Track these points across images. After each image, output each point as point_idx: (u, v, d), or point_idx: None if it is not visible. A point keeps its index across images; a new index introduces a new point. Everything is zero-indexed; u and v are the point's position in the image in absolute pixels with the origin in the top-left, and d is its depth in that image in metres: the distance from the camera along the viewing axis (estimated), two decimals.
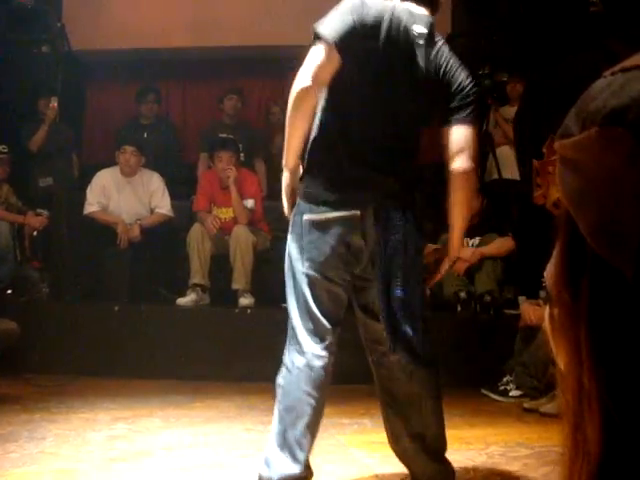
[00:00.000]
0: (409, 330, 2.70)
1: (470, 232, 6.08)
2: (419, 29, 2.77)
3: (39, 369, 5.81)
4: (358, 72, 2.72)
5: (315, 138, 2.80)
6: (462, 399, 5.18)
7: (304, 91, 2.67)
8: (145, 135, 7.46)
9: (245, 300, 6.14)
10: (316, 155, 2.78)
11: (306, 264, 2.74)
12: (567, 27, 6.54)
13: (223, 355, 5.84)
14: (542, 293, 5.16)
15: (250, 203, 6.41)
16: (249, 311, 6.09)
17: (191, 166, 7.64)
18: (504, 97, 7.05)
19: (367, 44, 2.70)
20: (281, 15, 7.85)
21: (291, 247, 2.80)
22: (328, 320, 2.75)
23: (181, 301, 6.19)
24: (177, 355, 5.85)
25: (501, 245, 5.98)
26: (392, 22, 2.73)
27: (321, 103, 2.80)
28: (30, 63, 7.86)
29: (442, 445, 2.91)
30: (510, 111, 6.94)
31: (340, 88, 2.74)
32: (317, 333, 2.74)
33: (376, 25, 2.70)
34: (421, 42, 2.77)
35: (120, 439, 4.05)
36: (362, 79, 2.72)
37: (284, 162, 2.84)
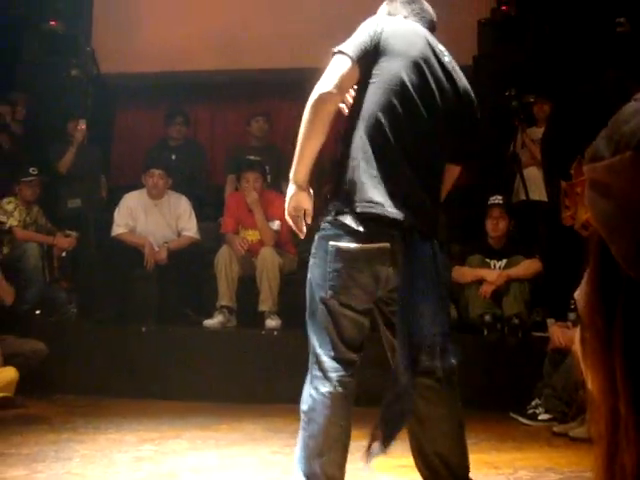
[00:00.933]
0: (431, 352, 2.66)
1: (497, 254, 6.04)
2: (442, 48, 2.80)
3: (66, 389, 5.84)
4: (387, 94, 2.69)
5: (347, 164, 2.71)
6: (490, 423, 5.13)
7: (327, 96, 2.62)
8: (173, 157, 7.51)
9: (272, 322, 6.13)
10: (348, 182, 2.68)
11: (329, 292, 2.68)
12: (594, 48, 6.52)
13: (249, 377, 5.84)
14: (571, 315, 5.11)
15: (276, 224, 6.42)
16: (276, 333, 6.08)
17: (219, 188, 7.67)
18: (531, 118, 7.02)
19: (391, 63, 2.69)
20: (308, 38, 7.89)
21: (314, 272, 2.74)
22: (350, 348, 2.71)
23: (208, 323, 6.19)
24: (204, 377, 5.85)
25: (528, 267, 5.93)
26: (417, 41, 2.75)
27: (353, 127, 2.73)
28: (60, 86, 7.96)
29: (467, 469, 2.88)
30: (537, 132, 6.91)
31: (372, 111, 2.69)
32: (340, 360, 2.69)
33: (400, 44, 2.71)
34: (447, 60, 2.79)
35: (147, 460, 4.05)
36: (394, 102, 2.68)
37: (293, 174, 2.74)
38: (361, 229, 2.65)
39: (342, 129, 2.82)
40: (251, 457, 4.17)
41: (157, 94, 8.51)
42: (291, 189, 2.75)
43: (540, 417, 5.13)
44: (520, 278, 5.88)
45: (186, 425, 4.94)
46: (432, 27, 2.92)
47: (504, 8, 7.61)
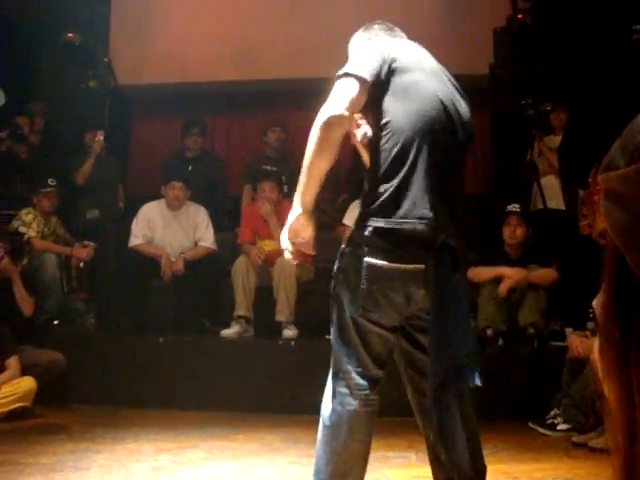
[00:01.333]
0: (455, 368, 2.64)
1: (513, 263, 5.99)
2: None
3: (85, 399, 5.86)
4: (421, 106, 2.65)
5: (380, 178, 2.65)
6: (509, 433, 5.11)
7: (337, 119, 2.54)
8: (190, 168, 7.54)
9: (289, 332, 6.13)
10: (382, 197, 2.63)
11: (360, 310, 2.63)
12: (610, 55, 6.50)
13: (267, 387, 5.83)
14: (590, 324, 5.08)
15: None
16: (293, 343, 6.08)
17: (235, 198, 7.69)
18: (548, 127, 7.00)
19: (413, 76, 2.66)
20: (325, 48, 7.91)
21: (344, 289, 2.67)
22: (377, 364, 2.69)
23: (225, 333, 6.20)
24: (221, 387, 5.85)
25: (545, 274, 5.89)
26: (426, 57, 2.77)
27: (384, 139, 2.67)
28: (78, 98, 8.02)
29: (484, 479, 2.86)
30: (555, 140, 6.89)
31: (406, 124, 2.64)
32: (367, 377, 2.67)
33: (414, 60, 2.71)
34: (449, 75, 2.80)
35: (164, 470, 4.06)
36: (429, 113, 2.65)
37: (300, 196, 2.63)
38: (397, 248, 2.61)
39: (371, 141, 2.77)
40: (269, 467, 4.16)
41: (174, 105, 8.56)
42: (296, 210, 2.65)
43: (559, 427, 5.10)
44: (537, 284, 5.84)
45: (203, 435, 4.95)
46: None
47: (520, 16, 7.60)
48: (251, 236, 6.61)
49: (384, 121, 2.69)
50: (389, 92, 2.66)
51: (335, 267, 2.74)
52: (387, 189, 2.64)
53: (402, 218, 2.61)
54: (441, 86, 2.73)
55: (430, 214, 2.62)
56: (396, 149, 2.65)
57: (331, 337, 2.77)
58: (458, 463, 2.78)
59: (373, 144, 2.74)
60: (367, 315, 2.64)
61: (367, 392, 2.67)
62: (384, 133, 2.69)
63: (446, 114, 2.69)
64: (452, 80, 2.82)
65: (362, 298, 2.63)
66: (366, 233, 2.64)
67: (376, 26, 2.99)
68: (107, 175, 7.46)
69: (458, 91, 2.81)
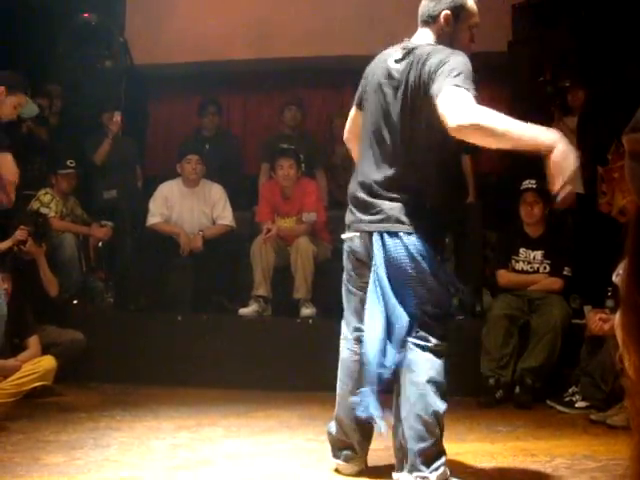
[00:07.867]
0: None
1: (533, 243, 5.88)
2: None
3: (104, 378, 5.90)
4: None
5: None
6: (527, 410, 5.11)
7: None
8: (207, 147, 7.53)
9: (307, 310, 6.14)
10: None
11: None
12: (631, 32, 6.43)
13: (285, 365, 5.85)
14: (609, 302, 5.05)
15: (311, 216, 6.40)
16: (310, 321, 6.09)
17: (252, 177, 7.69)
18: (566, 107, 6.90)
19: None
20: (340, 26, 7.86)
21: None
22: None
23: (243, 311, 6.21)
24: (240, 365, 5.88)
25: (549, 284, 5.76)
26: None
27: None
28: (94, 78, 8.01)
29: None
30: (572, 121, 6.81)
31: None
32: None
33: None
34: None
35: (183, 447, 4.08)
36: None
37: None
38: None
39: None
40: (286, 444, 4.18)
41: (190, 84, 8.54)
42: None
43: (577, 405, 5.09)
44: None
45: (222, 412, 4.97)
46: None
47: None
48: (269, 214, 6.60)
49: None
50: None
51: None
52: None
53: None
54: None
55: None
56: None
57: None
58: None
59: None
60: None
61: None
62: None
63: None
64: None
65: None
66: None
67: None
68: (124, 155, 7.47)
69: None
